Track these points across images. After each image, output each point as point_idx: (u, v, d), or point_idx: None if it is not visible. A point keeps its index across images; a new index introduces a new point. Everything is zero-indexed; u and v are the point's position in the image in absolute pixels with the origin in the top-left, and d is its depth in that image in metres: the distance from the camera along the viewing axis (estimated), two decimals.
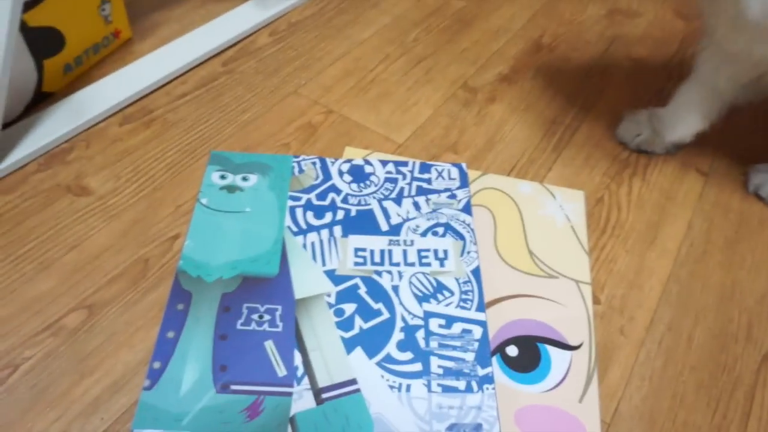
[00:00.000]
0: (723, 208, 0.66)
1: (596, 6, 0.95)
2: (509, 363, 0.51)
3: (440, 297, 0.52)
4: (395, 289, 0.53)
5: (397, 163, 0.64)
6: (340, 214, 0.58)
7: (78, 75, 0.73)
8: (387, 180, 0.62)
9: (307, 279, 0.53)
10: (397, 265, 0.54)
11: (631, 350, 0.54)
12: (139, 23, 0.82)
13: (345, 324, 0.50)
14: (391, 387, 0.47)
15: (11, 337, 0.50)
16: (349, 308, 0.51)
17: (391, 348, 0.49)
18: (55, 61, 0.69)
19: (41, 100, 0.69)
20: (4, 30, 0.55)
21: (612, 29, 0.90)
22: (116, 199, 0.61)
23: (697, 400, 0.51)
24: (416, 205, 0.59)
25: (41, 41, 0.66)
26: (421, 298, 0.52)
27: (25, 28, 0.63)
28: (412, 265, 0.54)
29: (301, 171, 0.62)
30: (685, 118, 0.65)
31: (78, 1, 0.69)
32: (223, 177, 0.60)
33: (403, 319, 0.51)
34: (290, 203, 0.58)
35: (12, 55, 0.57)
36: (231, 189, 0.59)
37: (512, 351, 0.51)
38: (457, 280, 0.54)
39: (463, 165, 0.64)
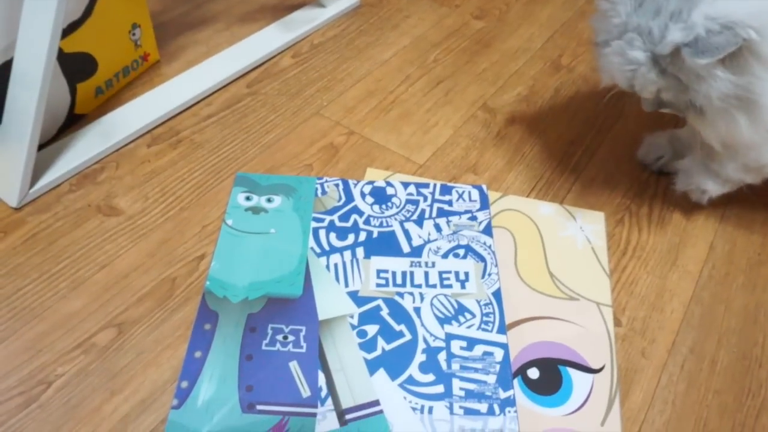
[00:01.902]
0: (746, 229, 0.66)
1: None
2: (531, 385, 0.51)
3: (462, 319, 0.53)
4: (417, 310, 0.53)
5: (418, 185, 0.65)
6: (363, 236, 0.59)
7: (108, 97, 0.75)
8: (408, 202, 0.63)
9: (331, 300, 0.54)
10: (419, 286, 0.55)
11: (653, 373, 0.54)
12: (166, 46, 0.84)
13: (368, 345, 0.51)
14: (414, 409, 0.47)
15: (46, 353, 0.52)
16: (372, 330, 0.52)
17: (413, 370, 0.49)
18: (88, 85, 0.71)
19: (73, 122, 0.72)
20: (42, 58, 0.57)
21: None
22: (144, 219, 0.63)
23: (721, 425, 0.51)
24: (437, 227, 0.60)
25: (75, 66, 0.68)
26: (443, 320, 0.53)
27: (61, 55, 0.65)
28: (434, 286, 0.55)
29: (324, 193, 0.63)
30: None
31: (110, 27, 0.71)
32: (248, 198, 0.62)
33: (425, 341, 0.51)
34: (313, 224, 0.60)
35: (49, 81, 0.59)
36: (256, 210, 0.61)
37: (533, 373, 0.52)
38: (478, 302, 0.54)
39: (484, 187, 0.65)
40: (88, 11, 0.67)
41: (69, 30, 0.66)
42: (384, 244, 0.58)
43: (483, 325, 0.52)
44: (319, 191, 0.63)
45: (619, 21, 0.51)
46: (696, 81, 0.50)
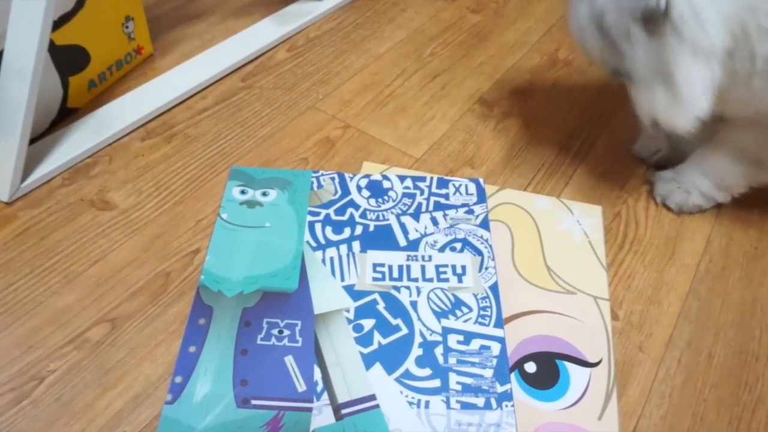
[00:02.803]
0: (742, 223, 0.66)
1: None
2: (528, 380, 0.51)
3: (458, 313, 0.52)
4: (414, 304, 0.53)
5: (414, 179, 0.64)
6: (359, 230, 0.58)
7: (101, 91, 0.75)
8: (405, 195, 0.62)
9: (326, 294, 0.53)
10: (416, 280, 0.55)
11: (650, 367, 0.54)
12: (160, 39, 0.83)
13: (364, 339, 0.50)
14: (410, 403, 0.47)
15: (38, 349, 0.51)
16: (368, 324, 0.51)
17: (409, 364, 0.49)
18: (80, 78, 0.70)
19: (66, 115, 0.71)
20: (33, 50, 0.56)
21: None
22: (138, 213, 0.62)
23: (718, 419, 0.51)
24: (434, 221, 0.60)
25: (67, 59, 0.68)
26: (440, 314, 0.52)
27: (52, 47, 0.65)
28: (431, 280, 0.55)
29: (320, 186, 0.62)
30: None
31: (103, 19, 0.71)
32: (243, 192, 0.61)
33: (422, 335, 0.51)
34: (309, 218, 0.59)
35: (40, 73, 0.58)
36: (251, 204, 0.60)
37: (531, 367, 0.51)
38: (475, 295, 0.54)
39: (481, 180, 0.64)
40: (80, 3, 0.66)
41: (60, 22, 0.65)
42: (380, 238, 0.58)
43: (480, 319, 0.52)
44: (315, 185, 0.63)
45: None
46: (626, 45, 0.52)
